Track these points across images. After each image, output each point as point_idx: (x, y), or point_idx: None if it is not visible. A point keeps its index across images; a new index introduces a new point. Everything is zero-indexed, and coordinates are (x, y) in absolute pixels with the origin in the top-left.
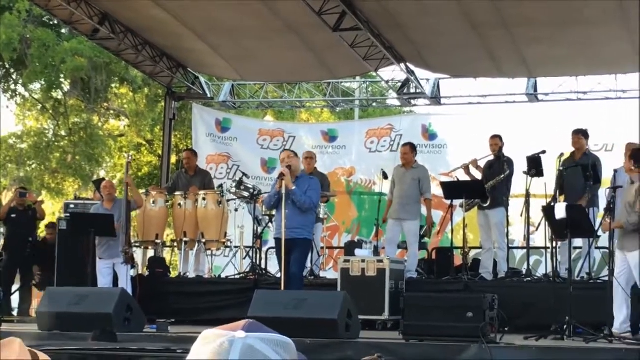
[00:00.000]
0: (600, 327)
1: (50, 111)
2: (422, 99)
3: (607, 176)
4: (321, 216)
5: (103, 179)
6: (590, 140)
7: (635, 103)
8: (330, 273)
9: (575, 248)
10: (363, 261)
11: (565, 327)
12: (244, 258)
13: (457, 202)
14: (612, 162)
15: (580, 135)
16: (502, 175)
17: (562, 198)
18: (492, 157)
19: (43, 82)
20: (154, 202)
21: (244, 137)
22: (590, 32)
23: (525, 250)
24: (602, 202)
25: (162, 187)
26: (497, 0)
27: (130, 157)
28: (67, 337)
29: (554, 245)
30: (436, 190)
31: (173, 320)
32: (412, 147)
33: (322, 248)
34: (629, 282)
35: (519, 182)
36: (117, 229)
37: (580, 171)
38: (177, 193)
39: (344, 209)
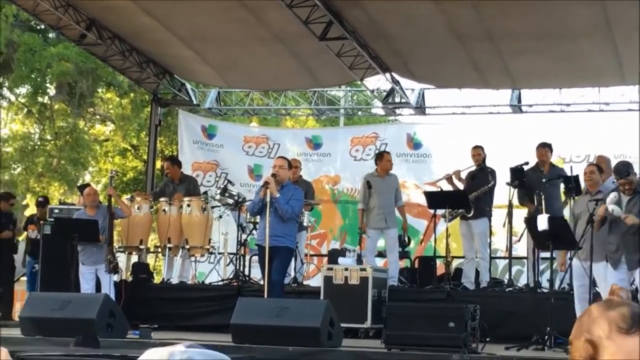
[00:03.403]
0: None
1: (36, 115)
2: (407, 108)
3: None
4: (305, 224)
5: (88, 184)
6: (572, 151)
7: (617, 115)
8: (318, 280)
9: (546, 259)
10: (346, 269)
11: (546, 337)
12: (228, 265)
13: (440, 212)
14: None
15: (547, 148)
16: (487, 187)
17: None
18: (474, 168)
19: (29, 87)
20: (138, 208)
21: (230, 144)
22: (574, 45)
23: (507, 260)
24: None
25: (146, 193)
26: (482, 12)
27: (113, 172)
28: (49, 342)
29: (536, 255)
30: (421, 198)
31: (156, 325)
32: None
33: (306, 255)
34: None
35: (502, 192)
36: (102, 241)
37: (557, 183)
38: (162, 199)
39: (330, 216)
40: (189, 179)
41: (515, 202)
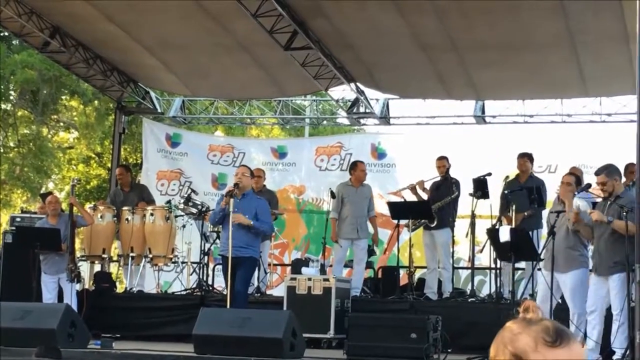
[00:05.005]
0: None
1: None
2: (372, 118)
3: (551, 198)
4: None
5: (50, 192)
6: (535, 161)
7: (579, 127)
8: (281, 290)
9: (518, 269)
10: (309, 279)
11: None
12: (191, 274)
13: (403, 222)
14: (555, 183)
15: (526, 158)
16: (450, 197)
17: (505, 220)
18: (439, 178)
19: None
20: (101, 217)
21: (194, 153)
22: (538, 57)
23: (470, 270)
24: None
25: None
26: (447, 23)
27: (75, 181)
28: (10, 352)
29: (498, 266)
30: (385, 208)
31: (118, 335)
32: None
33: (270, 265)
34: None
35: (465, 203)
36: (64, 250)
37: (525, 194)
38: (125, 208)
39: (294, 226)
40: (140, 187)
41: (478, 212)
